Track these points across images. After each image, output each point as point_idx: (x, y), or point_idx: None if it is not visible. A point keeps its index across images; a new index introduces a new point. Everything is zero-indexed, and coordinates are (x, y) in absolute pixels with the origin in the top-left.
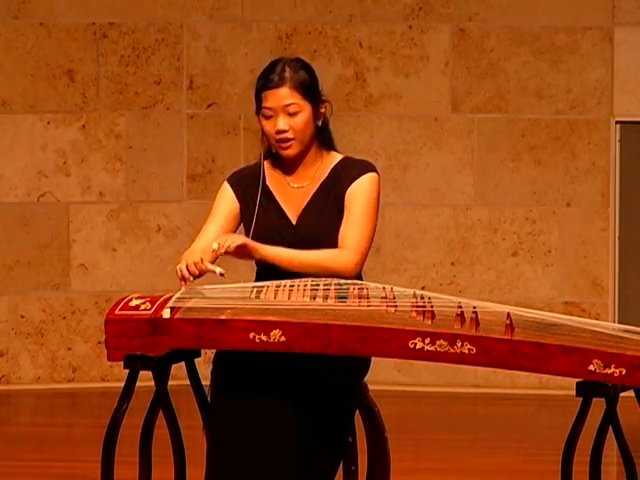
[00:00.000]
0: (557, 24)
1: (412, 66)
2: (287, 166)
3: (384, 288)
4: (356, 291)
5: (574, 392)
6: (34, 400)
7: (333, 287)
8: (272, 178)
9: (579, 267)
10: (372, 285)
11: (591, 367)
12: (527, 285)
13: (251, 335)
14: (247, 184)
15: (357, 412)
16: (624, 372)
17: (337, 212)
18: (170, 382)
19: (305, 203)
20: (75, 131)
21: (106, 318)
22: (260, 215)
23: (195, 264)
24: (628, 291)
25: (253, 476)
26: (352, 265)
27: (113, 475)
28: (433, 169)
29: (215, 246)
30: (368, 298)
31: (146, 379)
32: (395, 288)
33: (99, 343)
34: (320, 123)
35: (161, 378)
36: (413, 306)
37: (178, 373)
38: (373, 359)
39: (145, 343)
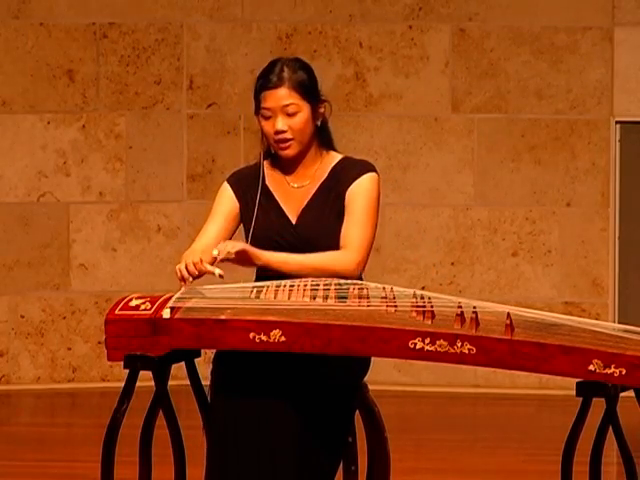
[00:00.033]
0: (557, 24)
1: (412, 66)
2: (287, 166)
3: (384, 288)
4: (356, 291)
5: (574, 392)
6: (34, 400)
7: (333, 287)
8: (272, 178)
9: (579, 267)
10: (372, 285)
11: (591, 367)
12: (527, 285)
13: (251, 335)
14: (247, 184)
15: (357, 412)
16: (624, 372)
17: (337, 212)
18: (170, 382)
19: (305, 203)
20: (75, 131)
21: (106, 318)
22: (260, 215)
23: (194, 264)
24: (628, 291)
25: (253, 476)
26: (354, 265)
27: (113, 475)
28: (433, 169)
29: (215, 252)
30: (368, 298)
31: (146, 379)
32: (395, 288)
33: (99, 343)
34: (319, 123)
35: (161, 378)
36: (413, 306)
37: (178, 373)
38: (373, 359)
39: (145, 343)
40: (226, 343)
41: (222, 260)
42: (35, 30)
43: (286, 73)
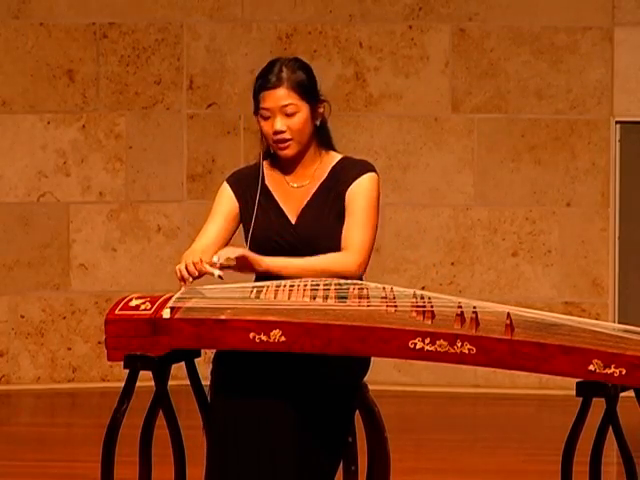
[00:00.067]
0: (557, 24)
1: (412, 66)
2: (286, 166)
3: (384, 288)
4: (356, 291)
5: (574, 392)
6: (34, 400)
7: (333, 287)
8: (271, 178)
9: (579, 267)
10: (372, 285)
11: (591, 367)
12: (527, 285)
13: (251, 335)
14: (246, 184)
15: (357, 412)
16: (624, 372)
17: (337, 212)
18: (170, 382)
19: (305, 203)
20: (75, 131)
21: (106, 318)
22: (259, 215)
23: (194, 264)
24: (628, 291)
25: (253, 476)
26: (356, 266)
27: (113, 475)
28: (433, 169)
29: (215, 259)
30: (368, 298)
31: (146, 379)
32: (395, 288)
33: (99, 343)
34: (318, 123)
35: (161, 378)
36: (413, 306)
37: (178, 373)
38: (373, 359)
39: (145, 343)
40: (226, 343)
41: (223, 267)
42: (35, 30)
43: (285, 73)
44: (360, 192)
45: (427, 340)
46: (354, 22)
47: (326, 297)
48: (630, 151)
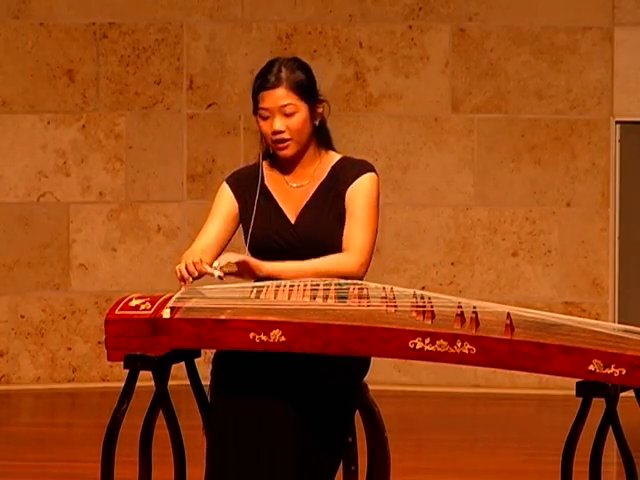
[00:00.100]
0: (557, 24)
1: (412, 66)
2: (285, 166)
3: (384, 288)
4: (356, 291)
5: (574, 392)
6: (34, 400)
7: (333, 287)
8: (270, 178)
9: (579, 267)
10: (372, 285)
11: (591, 367)
12: (527, 285)
13: (251, 335)
14: (246, 184)
15: (357, 412)
16: (624, 372)
17: (336, 212)
18: (170, 382)
19: (304, 203)
20: (75, 131)
21: (106, 318)
22: (258, 215)
23: (194, 264)
24: (628, 291)
25: (253, 476)
26: (358, 266)
27: (113, 475)
28: (433, 169)
29: (216, 264)
30: (368, 298)
31: (146, 379)
32: (395, 288)
33: (99, 343)
34: (318, 123)
35: (161, 378)
36: (413, 306)
37: (178, 373)
38: (373, 359)
39: (145, 343)
40: (226, 343)
41: (224, 273)
42: (35, 30)
43: (284, 73)
44: (360, 192)
45: (427, 340)
46: (354, 22)
47: (326, 297)
48: (630, 151)
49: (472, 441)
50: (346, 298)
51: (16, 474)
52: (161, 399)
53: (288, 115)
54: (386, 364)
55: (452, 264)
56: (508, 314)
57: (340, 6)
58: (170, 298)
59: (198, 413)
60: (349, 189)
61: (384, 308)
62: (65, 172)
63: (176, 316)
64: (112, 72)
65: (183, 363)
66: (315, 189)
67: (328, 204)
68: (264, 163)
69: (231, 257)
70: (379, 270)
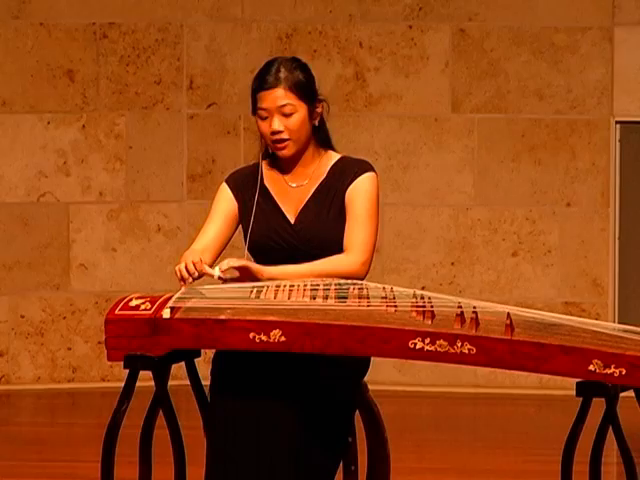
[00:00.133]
0: (557, 24)
1: (412, 66)
2: (285, 165)
3: (384, 288)
4: (356, 291)
5: (574, 392)
6: (34, 400)
7: (333, 287)
8: (270, 178)
9: (579, 267)
10: (372, 285)
11: (591, 367)
12: (527, 285)
13: (251, 335)
14: (245, 184)
15: (357, 412)
16: (624, 372)
17: (336, 211)
18: (170, 382)
19: (304, 202)
20: (75, 131)
21: (106, 318)
22: (258, 215)
23: (194, 264)
24: (628, 291)
25: (253, 476)
26: (359, 265)
27: (113, 475)
28: (433, 169)
29: (217, 269)
30: (368, 298)
31: (146, 379)
32: (395, 288)
33: (99, 343)
34: (317, 122)
35: (161, 378)
36: (413, 306)
37: (178, 373)
38: (373, 359)
39: (145, 343)
40: (226, 343)
41: (224, 278)
42: (35, 30)
43: (282, 73)
44: (360, 192)
45: (427, 340)
46: (354, 22)
47: (326, 297)
48: (630, 151)
49: (472, 441)
50: (346, 298)
51: (16, 474)
52: (161, 399)
53: (287, 115)
54: (386, 364)
55: (452, 264)
56: (508, 314)
57: (340, 6)
58: (170, 298)
59: (198, 413)
60: (349, 189)
61: (384, 308)
62: (65, 172)
63: (176, 316)
64: (112, 72)
65: (183, 363)
66: (314, 189)
67: (327, 204)
68: (263, 163)
69: (232, 262)
70: (379, 270)
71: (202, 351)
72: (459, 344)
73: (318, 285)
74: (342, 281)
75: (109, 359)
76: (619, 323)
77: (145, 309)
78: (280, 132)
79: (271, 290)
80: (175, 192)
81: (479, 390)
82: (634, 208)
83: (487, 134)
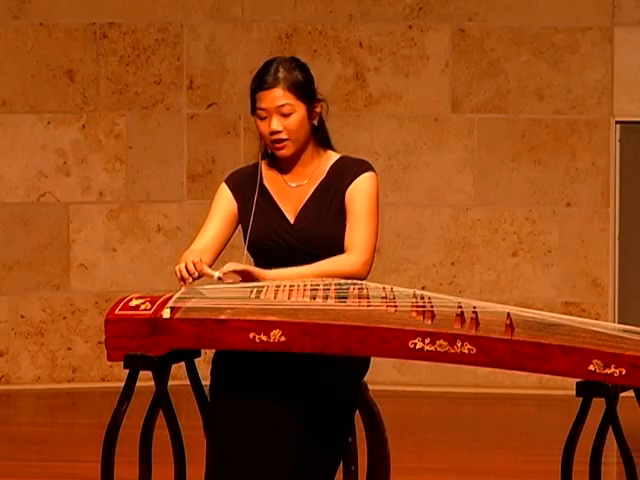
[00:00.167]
0: (557, 24)
1: (412, 66)
2: (284, 165)
3: (384, 288)
4: (356, 291)
5: (574, 392)
6: (34, 400)
7: (333, 287)
8: (269, 177)
9: (579, 267)
10: (372, 285)
11: (591, 367)
12: (527, 285)
13: (251, 335)
14: (244, 184)
15: (357, 412)
16: (624, 372)
17: (336, 211)
18: (170, 382)
19: (303, 202)
20: (75, 131)
21: (106, 318)
22: (257, 215)
23: (194, 264)
24: (628, 291)
25: (253, 476)
26: (361, 265)
27: (113, 475)
28: (433, 169)
29: (218, 274)
30: (368, 298)
31: (146, 379)
32: (395, 288)
33: (99, 343)
34: (316, 122)
35: (161, 378)
36: (413, 306)
37: (178, 373)
38: (373, 359)
39: (145, 343)
40: (226, 343)
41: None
42: (35, 30)
43: (281, 73)
44: (360, 192)
45: (427, 340)
46: (354, 22)
47: (326, 297)
48: (630, 151)
49: (472, 441)
50: (346, 298)
51: (16, 474)
52: (161, 399)
53: (285, 115)
54: (386, 364)
55: (452, 264)
56: (508, 314)
57: (340, 6)
58: (170, 298)
59: (198, 413)
60: (349, 189)
61: (384, 308)
62: (65, 172)
63: (176, 316)
64: (112, 72)
65: (183, 363)
66: (314, 188)
67: (327, 203)
68: (263, 163)
69: (234, 266)
70: (379, 270)
71: (202, 351)
72: (459, 344)
73: (318, 285)
74: (342, 281)
75: (109, 359)
76: (619, 323)
77: (145, 309)
78: (279, 132)
79: (271, 290)
80: (175, 192)
81: (479, 390)
82: (634, 208)
83: (487, 134)
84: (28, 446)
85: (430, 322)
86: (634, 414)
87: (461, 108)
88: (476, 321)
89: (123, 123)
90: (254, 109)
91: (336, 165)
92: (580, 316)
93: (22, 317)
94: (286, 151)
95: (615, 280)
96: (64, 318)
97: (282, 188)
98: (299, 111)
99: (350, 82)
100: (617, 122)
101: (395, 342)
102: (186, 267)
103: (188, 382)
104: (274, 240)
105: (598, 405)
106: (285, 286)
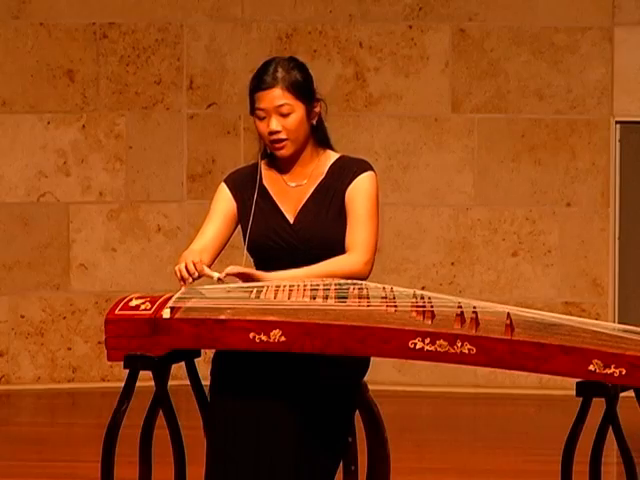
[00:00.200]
0: (557, 24)
1: (412, 66)
2: (284, 165)
3: (384, 288)
4: (356, 291)
5: (574, 392)
6: (34, 400)
7: (333, 287)
8: (269, 177)
9: (579, 267)
10: (372, 285)
11: (591, 367)
12: (527, 285)
13: (251, 335)
14: (244, 184)
15: (357, 412)
16: (624, 372)
17: (336, 211)
18: (170, 382)
19: (303, 202)
20: (75, 131)
21: (106, 318)
22: (257, 215)
23: (195, 264)
24: (628, 291)
25: (253, 476)
26: (363, 265)
27: (113, 475)
28: (433, 169)
29: (218, 275)
30: (368, 298)
31: (146, 379)
32: (395, 288)
33: (99, 343)
34: (315, 122)
35: (161, 378)
36: (413, 306)
37: (178, 373)
38: (373, 359)
39: (145, 343)
40: (226, 343)
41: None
42: (35, 30)
43: (280, 73)
44: (360, 191)
45: (427, 340)
46: (354, 22)
47: (326, 297)
48: (630, 151)
49: (472, 441)
50: (346, 298)
51: (16, 474)
52: (161, 399)
53: (284, 115)
54: (386, 364)
55: (452, 264)
56: (508, 314)
57: (340, 6)
58: (170, 298)
59: (198, 413)
60: (349, 189)
61: (384, 308)
62: (65, 172)
63: (176, 316)
64: (112, 72)
65: (183, 363)
66: (314, 188)
67: (327, 203)
68: (262, 163)
69: (236, 269)
70: (379, 270)
71: (202, 351)
72: (459, 344)
73: (318, 285)
74: (342, 281)
75: (109, 359)
76: (619, 323)
77: (145, 309)
78: (278, 132)
79: (271, 290)
80: (175, 192)
81: (479, 390)
82: (634, 208)
83: (487, 134)
84: (28, 446)
85: (430, 322)
86: (634, 414)
87: (461, 108)
88: (476, 321)
89: (123, 123)
90: (253, 109)
91: (335, 165)
92: (580, 316)
93: (22, 317)
94: (285, 151)
95: (615, 280)
96: (64, 318)
97: (281, 188)
98: (298, 111)
99: (350, 82)
100: (617, 122)
101: (395, 342)
102: (186, 267)
103: (188, 382)
104: (274, 240)
105: (598, 405)
106: (285, 286)
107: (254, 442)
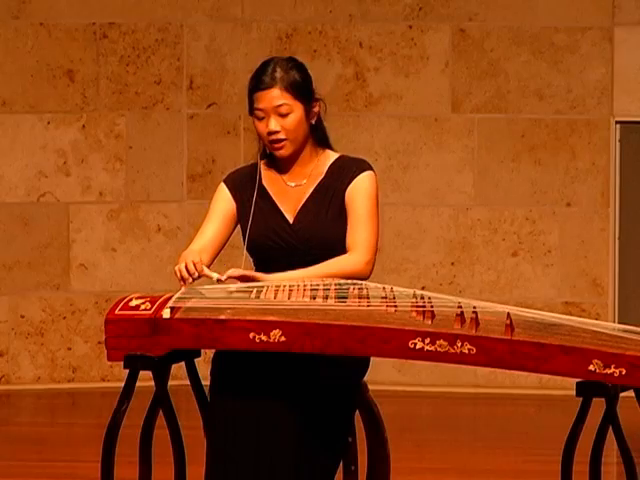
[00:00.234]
0: (557, 24)
1: (412, 66)
2: (283, 165)
3: (384, 288)
4: (356, 291)
5: (574, 392)
6: (34, 400)
7: (333, 287)
8: (268, 177)
9: (579, 267)
10: (372, 285)
11: (591, 367)
12: (527, 285)
13: (251, 335)
14: (243, 184)
15: (357, 412)
16: (624, 372)
17: (335, 211)
18: (170, 382)
19: (302, 202)
20: (75, 131)
21: (106, 318)
22: (256, 215)
23: (194, 264)
24: (628, 291)
25: (253, 476)
26: (364, 264)
27: (113, 475)
28: (433, 169)
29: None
30: (368, 298)
31: (146, 379)
32: (395, 288)
33: (99, 343)
34: (314, 122)
35: (161, 378)
36: (413, 306)
37: (178, 373)
38: (373, 359)
39: (145, 343)
40: (226, 343)
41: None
42: (35, 30)
43: (278, 73)
44: (360, 191)
45: (427, 340)
46: (354, 22)
47: (326, 297)
48: (630, 151)
49: (472, 441)
50: (346, 298)
51: (16, 474)
52: (161, 399)
53: (283, 115)
54: (386, 364)
55: (452, 264)
56: (508, 314)
57: (340, 6)
58: (170, 298)
59: (198, 413)
60: (348, 188)
61: (384, 308)
62: (65, 172)
63: (176, 316)
64: (112, 72)
65: (183, 363)
66: (313, 188)
67: (326, 203)
68: (262, 163)
69: (237, 272)
70: (379, 270)
71: (202, 351)
72: (459, 344)
73: (318, 285)
74: (342, 281)
75: (109, 359)
76: (619, 323)
77: (145, 309)
78: (277, 132)
79: (271, 290)
80: (175, 192)
81: (479, 390)
82: (634, 208)
83: (487, 134)
84: (28, 446)
85: (430, 322)
86: (634, 414)
87: (461, 108)
88: (476, 321)
89: (123, 123)
90: (252, 109)
91: (335, 165)
92: (580, 316)
93: (22, 317)
94: (284, 151)
95: (615, 280)
96: (64, 318)
97: (281, 188)
98: (297, 111)
99: (350, 82)
100: (617, 122)
101: (395, 342)
102: (186, 267)
103: (188, 382)
104: (273, 240)
105: (598, 405)
106: (285, 286)
107: (254, 442)
